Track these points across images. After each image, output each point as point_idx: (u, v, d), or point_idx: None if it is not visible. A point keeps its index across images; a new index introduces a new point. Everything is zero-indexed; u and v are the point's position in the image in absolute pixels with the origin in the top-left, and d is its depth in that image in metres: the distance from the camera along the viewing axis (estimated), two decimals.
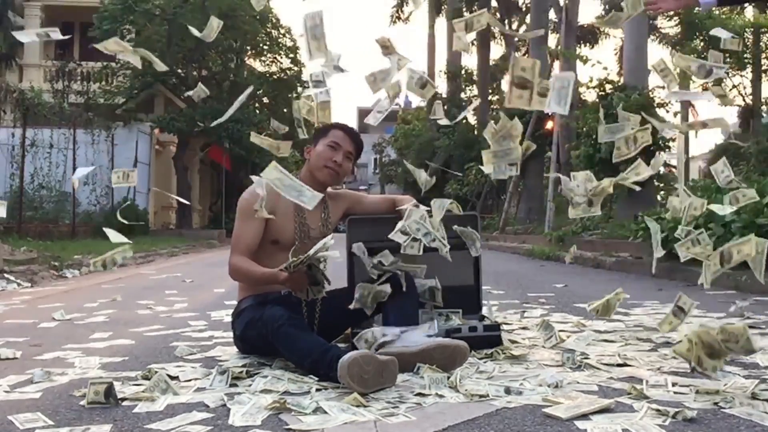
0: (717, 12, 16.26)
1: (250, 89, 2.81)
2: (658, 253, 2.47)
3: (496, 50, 25.17)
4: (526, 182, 17.28)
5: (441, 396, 1.84)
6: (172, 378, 2.07)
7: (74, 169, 14.14)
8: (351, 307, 2.37)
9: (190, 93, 2.58)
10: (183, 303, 4.49)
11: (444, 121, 2.98)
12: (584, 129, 11.40)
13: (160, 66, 2.57)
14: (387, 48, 2.61)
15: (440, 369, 2.05)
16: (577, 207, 2.75)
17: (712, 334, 1.78)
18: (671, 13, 14.72)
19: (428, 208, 2.42)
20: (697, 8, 2.66)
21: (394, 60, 2.58)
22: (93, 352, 2.69)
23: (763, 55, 17.87)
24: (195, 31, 2.66)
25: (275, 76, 22.96)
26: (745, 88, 18.64)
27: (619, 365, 2.21)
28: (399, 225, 2.32)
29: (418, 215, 2.35)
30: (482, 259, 2.82)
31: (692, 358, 1.83)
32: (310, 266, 2.21)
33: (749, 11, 16.89)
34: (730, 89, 16.77)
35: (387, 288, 2.36)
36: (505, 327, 2.95)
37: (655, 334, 2.84)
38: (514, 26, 24.86)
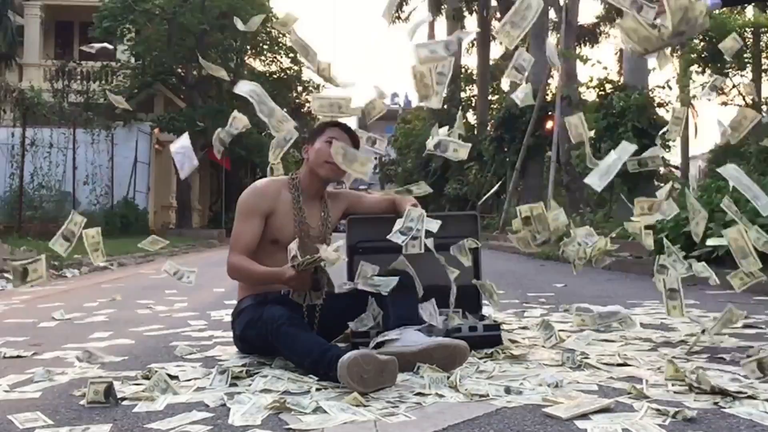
0: (717, 12, 16.24)
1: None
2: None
3: (496, 49, 25.17)
4: (526, 182, 17.28)
5: (441, 396, 1.83)
6: (172, 377, 2.07)
7: (74, 168, 14.17)
8: (353, 329, 2.44)
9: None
10: (183, 303, 4.49)
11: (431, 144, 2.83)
12: None
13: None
14: (425, 83, 2.50)
15: (440, 369, 2.05)
16: (578, 267, 2.81)
17: (711, 383, 1.81)
18: None
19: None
20: None
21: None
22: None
23: (763, 55, 17.86)
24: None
25: (275, 76, 22.95)
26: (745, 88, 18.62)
27: (619, 365, 2.21)
28: (397, 225, 2.31)
29: (416, 215, 2.35)
30: (482, 259, 2.82)
31: (690, 381, 1.85)
32: (317, 269, 2.21)
33: (749, 11, 16.88)
34: (730, 89, 16.75)
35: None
36: (505, 327, 2.95)
37: (655, 333, 2.84)
38: None
